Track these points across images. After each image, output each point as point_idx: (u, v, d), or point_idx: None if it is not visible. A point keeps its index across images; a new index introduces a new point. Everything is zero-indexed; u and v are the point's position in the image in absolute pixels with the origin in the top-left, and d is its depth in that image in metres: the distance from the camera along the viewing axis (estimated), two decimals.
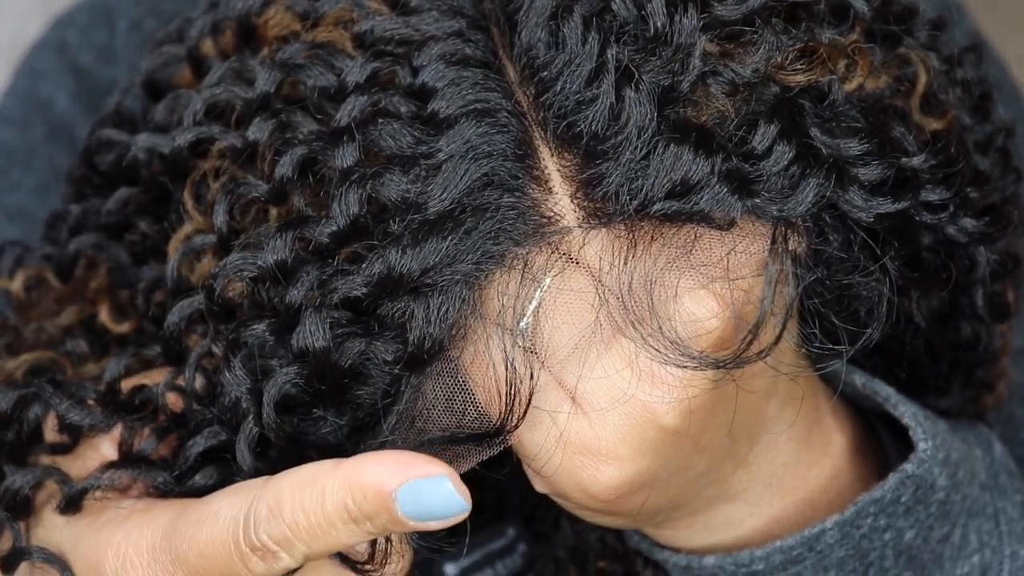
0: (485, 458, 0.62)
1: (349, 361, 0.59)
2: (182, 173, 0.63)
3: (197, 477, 0.62)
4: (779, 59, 0.60)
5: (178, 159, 0.63)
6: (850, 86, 0.61)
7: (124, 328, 0.67)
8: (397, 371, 0.59)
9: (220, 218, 0.61)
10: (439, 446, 0.61)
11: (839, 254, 0.62)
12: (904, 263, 0.64)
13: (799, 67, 0.60)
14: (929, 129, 0.63)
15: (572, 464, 0.62)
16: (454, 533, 0.77)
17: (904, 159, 0.61)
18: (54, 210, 0.71)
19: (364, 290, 0.58)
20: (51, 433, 0.64)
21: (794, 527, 0.68)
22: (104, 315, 0.67)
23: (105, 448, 0.64)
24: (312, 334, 0.58)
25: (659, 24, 0.59)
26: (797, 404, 0.67)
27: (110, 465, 0.63)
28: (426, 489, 0.57)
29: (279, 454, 0.61)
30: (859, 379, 0.70)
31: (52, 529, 0.63)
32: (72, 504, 0.62)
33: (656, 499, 0.64)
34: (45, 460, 0.63)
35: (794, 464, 0.68)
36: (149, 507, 0.61)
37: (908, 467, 0.67)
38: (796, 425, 0.67)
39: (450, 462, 0.61)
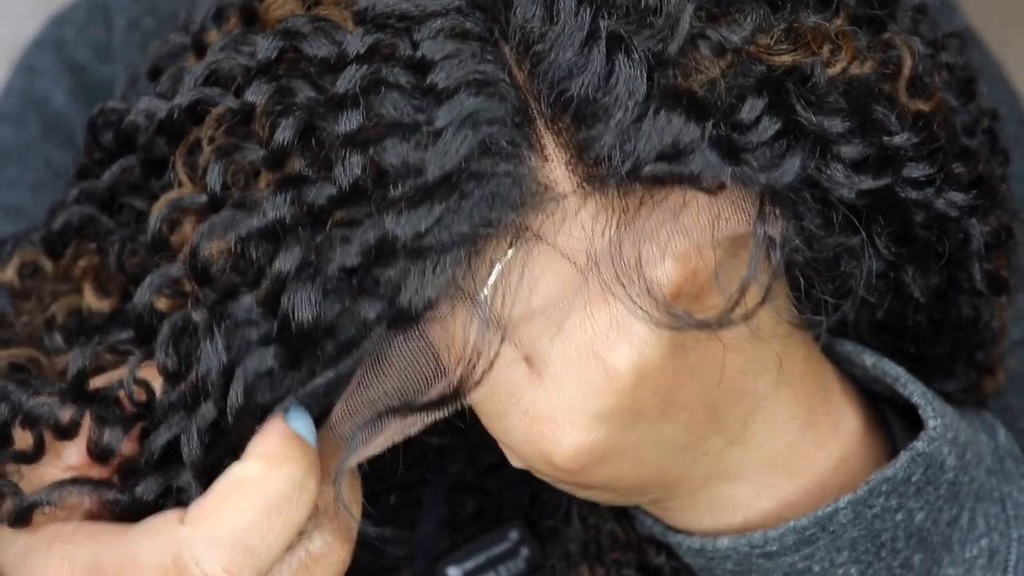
0: (438, 417, 0.62)
1: (328, 320, 0.59)
2: (178, 136, 0.63)
3: (138, 490, 0.61)
4: (765, 39, 0.61)
5: (175, 120, 0.63)
6: (834, 70, 0.62)
7: (105, 306, 0.66)
8: (380, 330, 0.59)
9: (214, 179, 0.61)
10: (401, 407, 0.61)
11: (821, 232, 0.63)
12: (896, 239, 0.65)
13: (784, 47, 0.61)
14: (915, 110, 0.63)
15: (532, 433, 0.62)
16: (456, 537, 0.77)
17: (887, 138, 0.62)
18: (56, 199, 0.70)
19: (358, 259, 0.59)
20: (19, 439, 0.62)
21: (805, 510, 0.68)
22: (87, 293, 0.66)
23: (69, 456, 0.63)
24: (302, 304, 0.59)
25: None
26: (795, 383, 0.67)
27: (61, 484, 0.61)
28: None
29: (227, 450, 0.60)
30: (869, 359, 0.70)
31: (6, 542, 0.62)
32: (21, 519, 0.61)
33: (636, 471, 0.65)
34: (12, 471, 0.62)
35: (800, 445, 0.68)
36: (74, 533, 0.60)
37: (919, 445, 0.67)
38: (799, 403, 0.68)
39: (406, 422, 0.62)
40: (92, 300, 0.66)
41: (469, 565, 0.77)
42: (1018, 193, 0.73)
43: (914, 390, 0.69)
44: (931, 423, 0.68)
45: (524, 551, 0.78)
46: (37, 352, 0.66)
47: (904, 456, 0.67)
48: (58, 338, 0.67)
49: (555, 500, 0.75)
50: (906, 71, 0.64)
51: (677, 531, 0.71)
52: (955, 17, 0.94)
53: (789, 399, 0.67)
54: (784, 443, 0.68)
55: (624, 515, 0.74)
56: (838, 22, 0.62)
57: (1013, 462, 0.73)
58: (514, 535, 0.78)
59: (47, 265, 0.68)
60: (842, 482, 0.69)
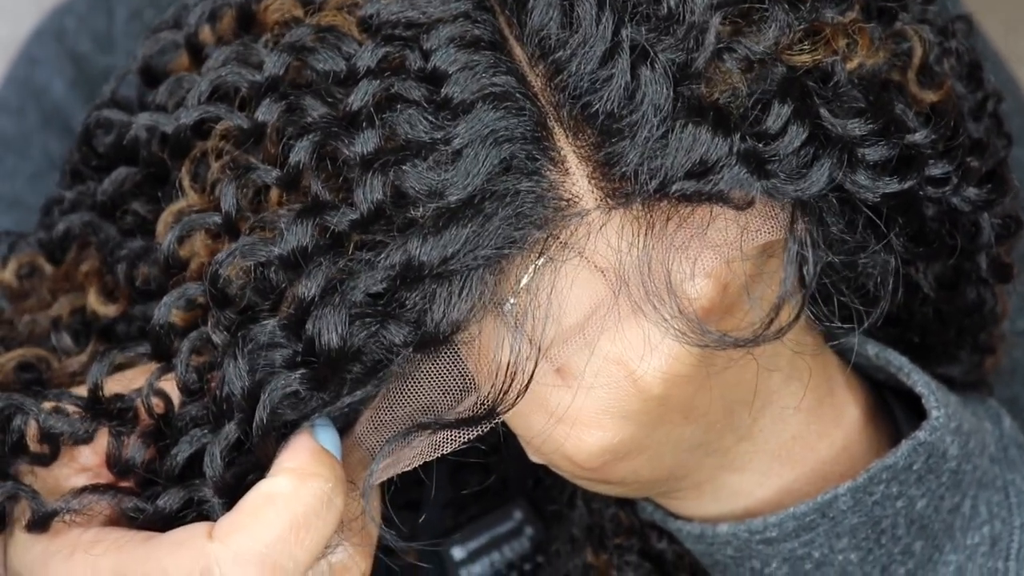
0: (473, 436, 0.62)
1: (356, 346, 0.59)
2: (184, 152, 0.63)
3: (160, 502, 0.61)
4: (785, 40, 0.60)
5: (181, 138, 0.63)
6: (851, 65, 0.61)
7: (111, 311, 0.66)
8: (408, 353, 0.59)
9: (229, 201, 0.60)
10: (430, 424, 0.61)
11: (843, 235, 0.63)
12: (909, 237, 0.65)
13: (804, 47, 0.60)
14: (927, 102, 0.63)
15: (556, 433, 0.63)
16: (460, 517, 0.78)
17: (908, 136, 0.61)
18: (49, 196, 0.70)
19: (384, 285, 0.58)
20: (33, 443, 0.62)
21: (806, 497, 0.69)
22: (92, 297, 0.66)
23: (84, 458, 0.63)
24: (328, 329, 0.58)
25: (672, 3, 0.59)
26: (804, 377, 0.67)
27: (82, 490, 0.61)
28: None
29: (250, 466, 0.60)
30: (872, 349, 0.71)
31: (21, 546, 0.62)
32: (39, 525, 0.61)
33: (652, 468, 0.65)
34: (26, 471, 0.62)
35: (804, 436, 0.69)
36: (96, 542, 0.60)
37: (921, 434, 0.68)
38: (806, 397, 0.68)
39: (439, 442, 0.62)
40: (98, 305, 0.66)
41: (473, 545, 0.78)
42: (1023, 181, 0.73)
43: (917, 379, 0.69)
44: (934, 412, 0.68)
45: (528, 530, 0.79)
46: (46, 352, 0.66)
47: (905, 445, 0.67)
48: (66, 338, 0.67)
49: (559, 484, 0.75)
50: (917, 61, 0.63)
51: (677, 517, 0.71)
52: (958, 6, 0.93)
53: (797, 392, 0.67)
54: (789, 435, 0.69)
55: (626, 500, 0.74)
56: (853, 15, 0.62)
57: (1017, 450, 0.73)
58: (518, 515, 0.79)
59: (46, 267, 0.68)
60: (842, 471, 0.69)
